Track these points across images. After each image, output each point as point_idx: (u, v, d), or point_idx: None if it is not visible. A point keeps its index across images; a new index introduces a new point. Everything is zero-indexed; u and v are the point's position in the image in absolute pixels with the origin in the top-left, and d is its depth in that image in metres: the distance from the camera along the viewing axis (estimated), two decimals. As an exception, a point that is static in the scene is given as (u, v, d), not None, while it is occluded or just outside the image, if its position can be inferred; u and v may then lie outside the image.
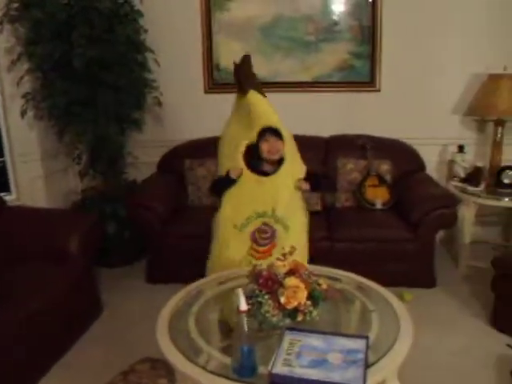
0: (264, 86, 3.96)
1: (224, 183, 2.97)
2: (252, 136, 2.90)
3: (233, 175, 2.90)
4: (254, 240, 2.86)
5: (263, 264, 2.52)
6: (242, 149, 2.94)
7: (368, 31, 3.93)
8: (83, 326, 3.01)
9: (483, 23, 3.86)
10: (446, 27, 3.91)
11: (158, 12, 3.94)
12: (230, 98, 4.11)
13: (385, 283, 2.38)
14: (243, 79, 3.03)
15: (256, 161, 2.94)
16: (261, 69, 4.00)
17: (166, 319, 2.07)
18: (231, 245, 2.88)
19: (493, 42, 3.87)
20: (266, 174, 2.93)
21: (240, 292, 1.62)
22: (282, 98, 4.06)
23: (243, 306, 1.59)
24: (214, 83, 4.13)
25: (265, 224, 2.86)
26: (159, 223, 3.46)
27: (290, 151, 2.99)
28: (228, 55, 4.04)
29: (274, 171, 2.92)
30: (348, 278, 2.45)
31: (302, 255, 2.81)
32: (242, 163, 2.91)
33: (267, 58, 4.03)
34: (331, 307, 2.16)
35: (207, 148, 3.96)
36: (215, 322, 2.24)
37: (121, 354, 2.72)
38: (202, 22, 4.03)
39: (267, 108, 2.99)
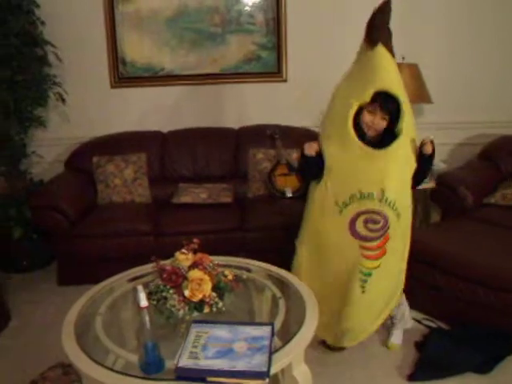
0: (171, 79, 4.03)
1: (303, 162, 2.47)
2: (364, 97, 2.32)
3: (307, 151, 2.38)
4: (358, 236, 2.34)
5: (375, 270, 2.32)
6: (353, 111, 2.34)
7: (273, 22, 3.96)
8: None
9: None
10: (346, 16, 3.97)
11: (55, 3, 3.76)
12: (138, 93, 4.08)
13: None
14: (377, 28, 2.42)
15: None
16: (167, 62, 4.00)
17: (72, 322, 2.00)
18: (328, 227, 2.41)
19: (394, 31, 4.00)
20: (371, 144, 2.36)
21: (140, 288, 1.60)
22: (191, 90, 4.07)
23: (143, 302, 1.57)
24: (120, 78, 4.02)
25: (372, 211, 2.30)
26: (68, 224, 3.33)
27: (409, 122, 2.38)
28: (133, 48, 3.97)
29: (384, 143, 2.34)
30: (258, 268, 2.47)
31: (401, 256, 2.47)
32: (351, 129, 2.34)
33: (173, 50, 3.96)
34: (243, 297, 2.19)
35: (115, 144, 3.90)
36: (125, 320, 2.20)
37: (33, 362, 2.59)
38: (106, 15, 3.89)
39: (391, 68, 2.39)
